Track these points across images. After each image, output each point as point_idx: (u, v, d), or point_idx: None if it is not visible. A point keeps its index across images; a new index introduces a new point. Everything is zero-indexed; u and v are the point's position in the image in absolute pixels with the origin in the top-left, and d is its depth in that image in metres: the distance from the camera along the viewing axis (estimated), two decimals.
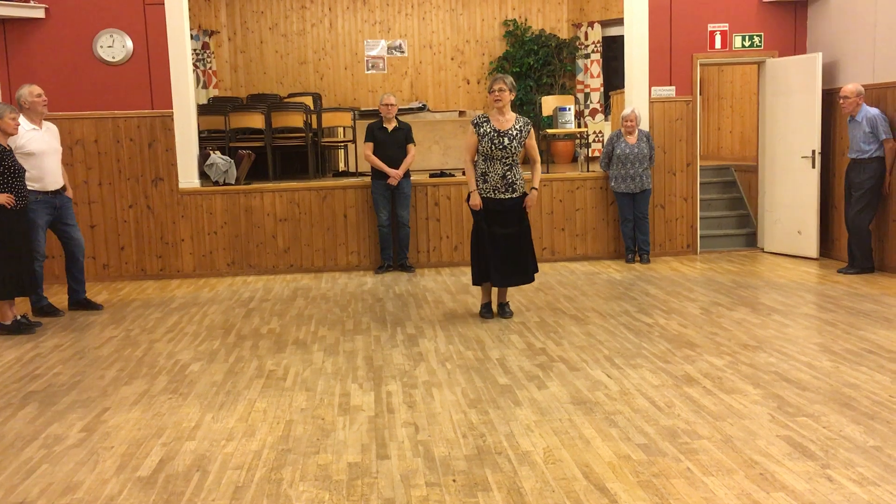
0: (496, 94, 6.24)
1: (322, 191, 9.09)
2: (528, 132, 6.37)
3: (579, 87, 13.72)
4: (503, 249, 6.37)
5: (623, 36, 9.46)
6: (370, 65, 13.93)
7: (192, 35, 11.28)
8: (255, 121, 10.00)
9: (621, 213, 9.04)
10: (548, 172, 9.74)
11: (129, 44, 8.66)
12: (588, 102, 13.66)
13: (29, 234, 6.58)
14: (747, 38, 9.24)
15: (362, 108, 12.65)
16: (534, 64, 13.49)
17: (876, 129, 7.74)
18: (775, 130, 9.23)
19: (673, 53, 9.19)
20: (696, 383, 4.78)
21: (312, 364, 5.44)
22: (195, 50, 12.70)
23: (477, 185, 6.38)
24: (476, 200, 6.36)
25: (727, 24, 9.21)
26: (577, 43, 13.73)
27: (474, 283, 6.62)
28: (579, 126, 12.88)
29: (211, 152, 9.26)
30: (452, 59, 13.98)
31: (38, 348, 6.07)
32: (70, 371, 5.45)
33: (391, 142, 8.69)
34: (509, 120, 6.32)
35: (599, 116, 13.54)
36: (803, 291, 7.31)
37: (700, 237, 9.52)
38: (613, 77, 13.36)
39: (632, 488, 3.42)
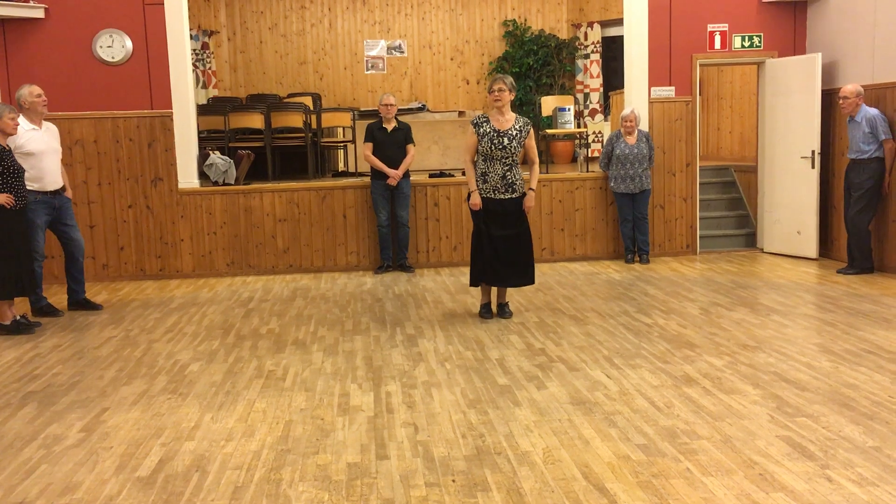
0: (496, 94, 6.24)
1: (321, 191, 9.09)
2: (528, 133, 6.37)
3: (579, 87, 13.72)
4: (501, 251, 6.36)
5: (622, 36, 9.46)
6: (370, 65, 13.93)
7: (191, 35, 11.28)
8: (255, 121, 10.00)
9: (621, 214, 9.04)
10: (547, 173, 9.74)
11: (129, 44, 8.66)
12: (587, 103, 13.66)
13: (28, 234, 6.58)
14: (747, 38, 9.24)
15: (362, 109, 12.65)
16: (533, 64, 13.49)
17: (875, 130, 7.74)
18: (775, 131, 9.23)
19: (672, 54, 9.19)
20: (696, 383, 4.78)
21: (312, 364, 5.44)
22: (195, 50, 12.70)
23: (477, 186, 6.38)
24: (476, 200, 6.36)
25: (727, 25, 9.21)
26: (577, 43, 13.73)
27: (471, 284, 6.63)
28: (579, 126, 12.88)
29: (210, 152, 9.25)
30: (452, 59, 13.98)
31: (37, 348, 6.07)
32: (69, 371, 5.44)
33: (391, 142, 8.69)
34: (509, 120, 6.32)
35: (599, 117, 13.55)
36: (802, 292, 7.31)
37: (699, 237, 9.52)
38: (613, 77, 13.36)
39: (631, 488, 3.42)
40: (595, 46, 13.58)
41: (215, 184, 9.15)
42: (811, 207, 8.77)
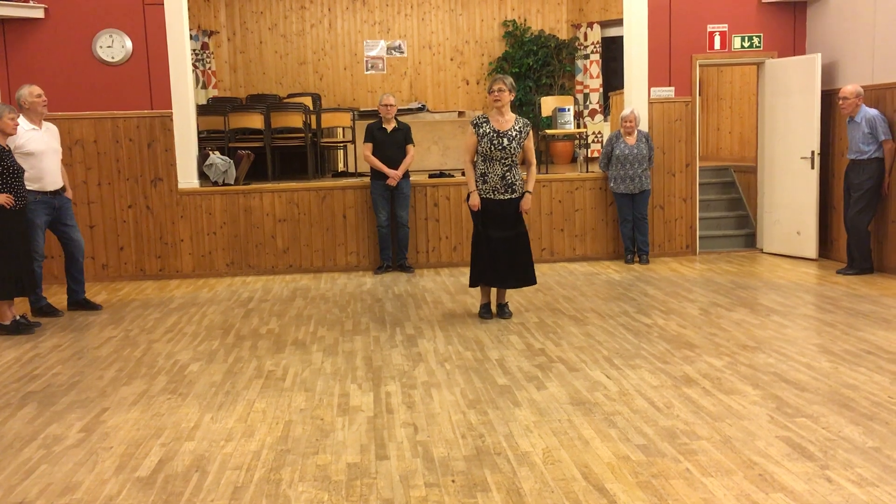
0: (496, 94, 6.24)
1: (321, 191, 9.09)
2: (528, 134, 6.37)
3: (578, 87, 13.72)
4: (500, 253, 6.37)
5: (622, 36, 9.46)
6: (369, 65, 13.93)
7: (191, 35, 11.29)
8: (255, 121, 10.00)
9: (620, 214, 9.05)
10: (547, 173, 9.75)
11: (129, 44, 8.66)
12: (587, 103, 13.66)
13: (28, 234, 6.58)
14: (747, 38, 9.24)
15: (361, 109, 12.65)
16: (533, 64, 13.49)
17: (875, 130, 7.74)
18: (774, 131, 9.23)
19: (672, 54, 9.20)
20: (695, 384, 4.79)
21: (311, 364, 5.44)
22: (194, 50, 12.70)
23: (476, 186, 6.38)
24: (475, 201, 6.36)
25: (726, 25, 9.21)
26: (577, 43, 13.73)
27: (471, 285, 6.63)
28: (578, 127, 12.88)
29: (210, 152, 9.25)
30: (452, 59, 13.98)
31: (37, 348, 6.07)
32: (69, 371, 5.44)
33: (390, 142, 8.69)
34: (509, 121, 6.32)
35: (599, 117, 13.55)
36: (802, 292, 7.31)
37: (699, 238, 9.52)
38: (613, 78, 13.37)
39: (631, 489, 3.42)
40: (595, 47, 13.58)
41: (215, 184, 9.15)
42: (811, 208, 8.78)
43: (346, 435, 4.13)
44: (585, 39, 13.64)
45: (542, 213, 9.23)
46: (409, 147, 8.78)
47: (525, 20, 13.93)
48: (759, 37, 9.25)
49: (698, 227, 9.50)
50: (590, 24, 13.60)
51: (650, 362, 5.25)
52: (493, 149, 6.26)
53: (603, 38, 13.59)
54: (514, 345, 5.77)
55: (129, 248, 8.88)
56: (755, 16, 9.23)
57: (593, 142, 13.44)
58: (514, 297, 7.22)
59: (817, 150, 8.66)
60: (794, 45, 9.26)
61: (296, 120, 10.03)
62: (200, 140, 9.48)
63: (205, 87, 13.06)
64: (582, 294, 7.48)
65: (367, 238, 9.11)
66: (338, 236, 9.10)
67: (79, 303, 7.35)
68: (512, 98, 6.30)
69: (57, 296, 7.67)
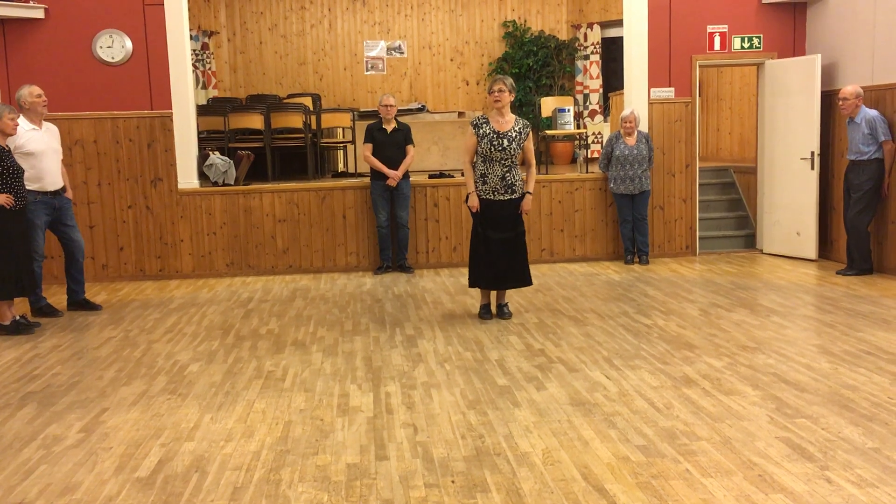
0: (496, 94, 6.24)
1: (321, 191, 9.09)
2: (528, 135, 6.37)
3: (578, 88, 13.73)
4: (499, 254, 6.37)
5: (622, 37, 9.46)
6: (369, 66, 13.93)
7: (191, 36, 11.28)
8: (255, 121, 10.00)
9: (620, 215, 9.05)
10: (547, 173, 9.75)
11: (129, 44, 8.66)
12: (587, 103, 13.66)
13: (28, 234, 6.58)
14: (746, 39, 9.25)
15: (361, 109, 12.66)
16: (533, 65, 13.50)
17: (875, 131, 7.74)
18: (774, 132, 9.24)
19: (672, 55, 9.20)
20: (695, 384, 4.79)
21: (311, 365, 5.44)
22: (195, 50, 12.70)
23: (476, 187, 6.38)
24: (474, 202, 6.36)
25: (726, 26, 9.21)
26: (577, 44, 13.74)
27: (470, 286, 6.63)
28: (578, 127, 12.89)
29: (210, 153, 9.26)
30: (452, 60, 13.98)
31: (36, 349, 6.06)
32: (69, 371, 5.44)
33: (390, 143, 8.69)
34: (509, 121, 6.32)
35: (598, 117, 13.55)
36: (802, 293, 7.32)
37: (699, 238, 9.53)
38: (612, 78, 13.37)
39: (630, 489, 3.42)
40: (595, 47, 13.59)
41: (215, 184, 9.15)
42: (811, 208, 8.78)
43: (346, 435, 4.13)
44: (585, 40, 13.65)
45: (542, 213, 9.23)
46: (409, 147, 8.78)
47: (525, 21, 13.93)
48: (758, 37, 9.25)
49: (698, 228, 9.50)
50: (590, 25, 13.60)
51: (650, 363, 5.25)
52: (492, 150, 6.26)
53: (603, 39, 13.59)
54: (514, 345, 5.77)
55: (129, 249, 8.88)
56: (755, 16, 9.23)
57: (593, 142, 13.44)
58: (514, 298, 7.22)
59: (817, 151, 8.66)
60: (794, 45, 9.26)
61: (296, 120, 10.04)
62: (200, 140, 9.48)
63: (205, 87, 13.07)
64: (582, 294, 7.48)
65: (367, 238, 9.11)
66: (338, 237, 9.10)
67: (78, 303, 7.35)
68: (512, 99, 6.31)
69: (57, 296, 7.67)
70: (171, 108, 8.77)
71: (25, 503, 3.49)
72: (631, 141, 8.89)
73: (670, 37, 9.18)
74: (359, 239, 9.12)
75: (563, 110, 10.17)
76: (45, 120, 7.13)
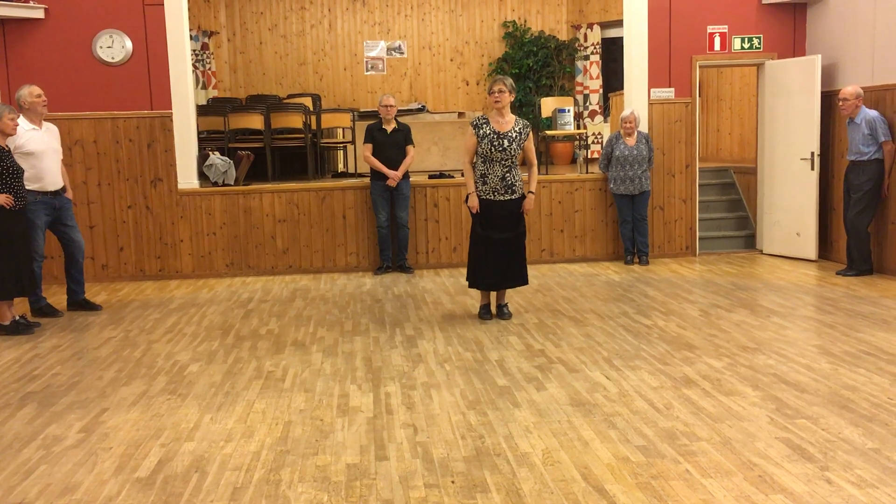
0: (496, 95, 6.24)
1: (321, 192, 9.09)
2: (528, 135, 6.37)
3: (578, 88, 13.73)
4: (498, 254, 6.37)
5: (622, 37, 9.46)
6: (369, 66, 13.93)
7: (191, 36, 11.28)
8: (255, 121, 10.00)
9: (620, 215, 9.05)
10: (547, 174, 9.75)
11: (129, 44, 8.66)
12: (587, 104, 13.66)
13: (28, 234, 6.58)
14: (746, 39, 9.25)
15: (361, 109, 12.66)
16: (533, 65, 13.50)
17: (875, 132, 7.74)
18: (774, 132, 9.24)
19: (672, 55, 9.20)
20: (695, 385, 4.78)
21: (311, 365, 5.44)
22: (194, 51, 12.70)
23: (476, 187, 6.38)
24: (474, 202, 6.36)
25: (726, 26, 9.21)
26: (577, 44, 13.74)
27: (470, 286, 6.64)
28: (578, 127, 12.88)
29: (210, 153, 9.26)
30: (452, 60, 13.99)
31: (36, 349, 6.06)
32: (69, 372, 5.44)
33: (390, 143, 8.69)
34: (509, 122, 6.32)
35: (598, 118, 13.55)
36: (802, 293, 7.32)
37: (699, 239, 9.52)
38: (612, 79, 13.37)
39: (630, 490, 3.42)
40: (595, 48, 13.59)
41: (215, 184, 9.15)
42: (811, 209, 8.78)
43: (346, 436, 4.13)
44: (585, 40, 13.65)
45: (542, 213, 9.23)
46: (409, 148, 8.78)
47: (525, 21, 13.93)
48: (758, 38, 9.25)
49: (698, 229, 9.50)
50: (590, 25, 13.60)
51: (650, 363, 5.25)
52: (493, 150, 6.26)
53: (603, 39, 13.59)
54: (514, 346, 5.77)
55: (129, 249, 8.88)
56: (755, 17, 9.23)
57: (593, 143, 13.44)
58: (514, 298, 7.22)
59: (817, 152, 8.66)
60: (794, 46, 9.26)
61: (296, 120, 10.04)
62: (200, 140, 9.48)
63: (205, 87, 13.06)
64: (582, 295, 7.48)
65: (367, 239, 9.11)
66: (337, 237, 9.10)
67: (78, 303, 7.35)
68: (512, 99, 6.31)
69: (57, 296, 7.66)
70: (171, 109, 8.76)
71: (25, 503, 3.49)
72: (631, 141, 8.89)
73: (670, 37, 9.18)
74: (359, 239, 9.12)
75: (563, 111, 10.17)
76: (45, 120, 7.13)
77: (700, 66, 9.45)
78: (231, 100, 12.16)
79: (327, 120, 10.68)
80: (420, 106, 13.01)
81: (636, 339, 5.85)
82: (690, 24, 9.17)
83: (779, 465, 3.63)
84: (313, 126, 10.30)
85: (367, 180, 9.08)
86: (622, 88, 9.76)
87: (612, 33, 13.31)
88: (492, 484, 3.52)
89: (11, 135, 6.48)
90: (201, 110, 10.10)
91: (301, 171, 10.31)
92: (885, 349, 5.42)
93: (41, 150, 6.88)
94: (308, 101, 11.57)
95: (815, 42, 9.09)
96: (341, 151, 12.13)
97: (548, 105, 11.13)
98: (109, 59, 8.68)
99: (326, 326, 6.55)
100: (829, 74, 8.74)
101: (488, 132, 6.27)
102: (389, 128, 8.73)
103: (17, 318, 6.59)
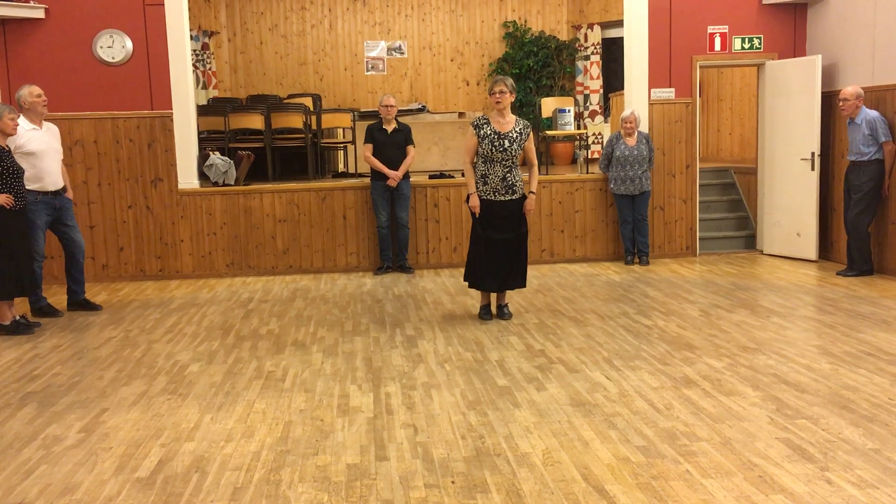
0: (497, 96, 6.24)
1: (321, 192, 9.09)
2: (528, 135, 6.37)
3: (579, 88, 13.73)
4: (498, 255, 6.37)
5: (623, 38, 9.47)
6: (370, 66, 13.93)
7: (191, 36, 11.28)
8: (255, 122, 10.00)
9: (620, 215, 9.05)
10: (547, 174, 9.75)
11: (129, 44, 8.66)
12: (587, 104, 13.66)
13: (28, 234, 6.58)
14: (747, 40, 9.25)
15: (362, 110, 12.65)
16: (533, 65, 13.50)
17: (875, 132, 7.74)
18: (775, 133, 9.23)
19: (672, 55, 9.20)
20: (695, 385, 4.78)
21: (311, 365, 5.44)
22: (195, 51, 12.70)
23: (477, 188, 6.38)
24: (475, 202, 6.36)
25: (727, 26, 9.21)
26: (577, 45, 13.74)
27: (469, 286, 6.63)
28: (579, 128, 12.88)
29: (210, 153, 9.26)
30: (452, 60, 13.99)
31: (36, 349, 6.06)
32: (69, 372, 5.44)
33: (390, 143, 8.69)
34: (509, 122, 6.32)
35: (599, 118, 13.56)
36: (802, 294, 7.31)
37: (699, 239, 9.53)
38: (613, 79, 13.37)
39: (631, 490, 3.42)
40: (595, 48, 13.59)
41: (215, 184, 9.15)
42: (811, 209, 8.78)
43: (346, 436, 4.13)
44: (586, 40, 13.65)
45: (543, 214, 9.23)
46: (410, 148, 8.78)
47: (525, 21, 13.93)
48: (759, 38, 9.25)
49: (698, 229, 9.50)
50: (590, 26, 13.60)
51: (650, 364, 5.25)
52: (493, 150, 6.26)
53: (603, 40, 13.59)
54: (514, 346, 5.77)
55: (129, 249, 8.88)
56: (755, 17, 9.23)
57: (593, 143, 13.44)
58: (514, 299, 7.22)
59: (817, 152, 8.66)
60: (795, 46, 9.26)
61: (296, 120, 10.04)
62: (201, 140, 9.48)
63: (205, 87, 13.07)
64: (582, 295, 7.48)
65: (367, 239, 9.11)
66: (338, 237, 9.10)
67: (79, 303, 7.35)
68: (513, 99, 6.31)
69: (57, 296, 7.67)
70: (171, 109, 8.77)
71: (25, 503, 3.49)
72: (631, 141, 8.89)
73: (671, 37, 9.18)
74: (359, 239, 9.12)
75: (563, 111, 10.17)
76: (46, 120, 7.13)
77: (700, 67, 9.45)
78: (231, 100, 12.16)
79: (328, 120, 10.68)
80: (420, 106, 13.02)
81: (636, 340, 5.85)
82: (691, 25, 9.17)
83: (779, 465, 3.63)
84: (314, 126, 10.30)
85: (367, 180, 9.08)
86: (622, 89, 9.76)
87: (613, 33, 13.30)
88: (492, 484, 3.52)
89: (12, 135, 6.48)
90: (202, 110, 10.10)
91: (301, 171, 10.31)
92: (886, 349, 5.42)
93: (41, 150, 6.88)
94: (308, 102, 11.57)
95: (815, 42, 9.09)
96: (342, 151, 12.13)
97: (548, 105, 11.13)
98: (110, 59, 8.68)
99: (327, 326, 6.55)
100: (829, 75, 8.74)
101: (489, 132, 6.28)
102: (390, 128, 8.73)
103: (18, 317, 6.60)
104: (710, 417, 4.25)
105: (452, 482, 3.55)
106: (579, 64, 13.71)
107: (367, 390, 4.87)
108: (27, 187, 6.58)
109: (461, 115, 12.93)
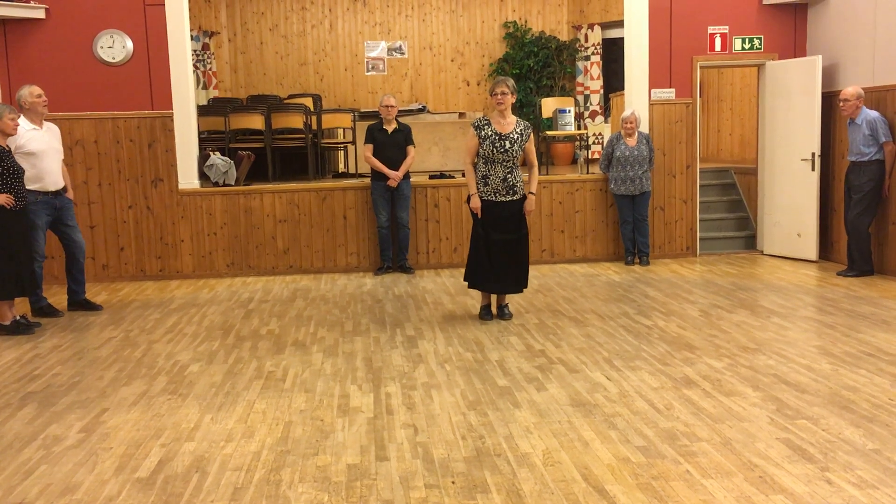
0: (499, 97, 6.24)
1: (322, 192, 9.09)
2: (529, 136, 6.38)
3: (579, 89, 13.73)
4: (499, 256, 6.36)
5: (623, 38, 9.47)
6: (370, 66, 13.93)
7: (192, 36, 11.28)
8: (255, 122, 10.00)
9: (621, 215, 9.05)
10: (547, 174, 9.75)
11: (130, 44, 8.67)
12: (588, 104, 13.67)
13: (28, 234, 6.58)
14: (747, 40, 9.25)
15: (362, 110, 12.65)
16: (534, 66, 13.50)
17: (875, 132, 7.74)
18: (775, 133, 9.23)
19: (673, 56, 9.20)
20: (696, 385, 4.78)
21: (312, 365, 5.44)
22: (195, 51, 12.70)
23: (478, 188, 6.38)
24: (476, 203, 6.36)
25: (727, 27, 9.21)
26: (577, 45, 13.74)
27: (469, 286, 6.63)
28: (579, 128, 12.87)
29: (211, 153, 9.26)
30: (452, 60, 13.99)
31: (37, 349, 6.06)
32: (69, 372, 5.44)
33: (391, 143, 8.69)
34: (510, 123, 6.32)
35: (599, 118, 13.56)
36: (802, 294, 7.31)
37: (699, 239, 9.52)
38: (613, 79, 13.37)
39: (631, 490, 3.42)
40: (595, 48, 13.59)
41: (215, 184, 9.15)
42: (811, 210, 8.78)
43: (346, 436, 4.13)
44: (586, 41, 13.65)
45: (543, 214, 9.23)
46: (410, 148, 8.78)
47: (526, 21, 13.93)
48: (759, 38, 9.25)
49: (698, 229, 9.50)
50: (590, 26, 13.60)
51: (650, 364, 5.25)
52: (494, 151, 6.26)
53: (603, 40, 13.59)
54: (515, 346, 5.77)
55: (130, 249, 8.88)
56: (756, 17, 9.23)
57: (594, 143, 13.44)
58: (515, 299, 7.22)
59: (818, 152, 8.66)
60: (795, 46, 9.26)
61: (296, 121, 10.04)
62: (201, 141, 9.48)
63: (205, 87, 13.07)
64: (582, 295, 7.48)
65: (368, 239, 9.11)
66: (338, 237, 9.10)
67: (79, 303, 7.35)
68: (514, 100, 6.32)
69: (57, 296, 7.67)
70: (171, 109, 8.77)
71: (25, 503, 3.49)
72: (631, 142, 8.89)
73: (671, 38, 9.18)
74: (359, 239, 9.12)
75: (563, 111, 10.17)
76: (46, 120, 7.13)
77: (701, 67, 9.45)
78: (232, 100, 12.16)
79: (328, 120, 10.69)
80: (421, 106, 13.01)
81: (636, 340, 5.85)
82: (691, 25, 9.17)
83: (779, 465, 3.63)
84: (314, 126, 10.30)
85: (367, 181, 9.08)
86: (623, 89, 9.76)
87: (613, 34, 13.30)
88: (492, 484, 3.52)
89: (12, 135, 6.48)
90: (202, 110, 10.10)
91: (302, 171, 10.31)
92: (886, 350, 5.42)
93: (42, 150, 6.88)
94: (309, 102, 11.57)
95: (815, 43, 9.09)
96: (342, 152, 12.13)
97: (548, 105, 11.13)
98: (110, 60, 8.68)
99: (327, 327, 6.55)
100: (829, 75, 8.74)
101: (490, 133, 6.28)
102: (390, 128, 8.73)
103: (18, 317, 6.60)
104: (710, 418, 4.25)
105: (453, 482, 3.55)
106: (579, 64, 13.71)
107: (367, 390, 4.87)
108: (27, 187, 6.58)
109: (461, 115, 12.93)
